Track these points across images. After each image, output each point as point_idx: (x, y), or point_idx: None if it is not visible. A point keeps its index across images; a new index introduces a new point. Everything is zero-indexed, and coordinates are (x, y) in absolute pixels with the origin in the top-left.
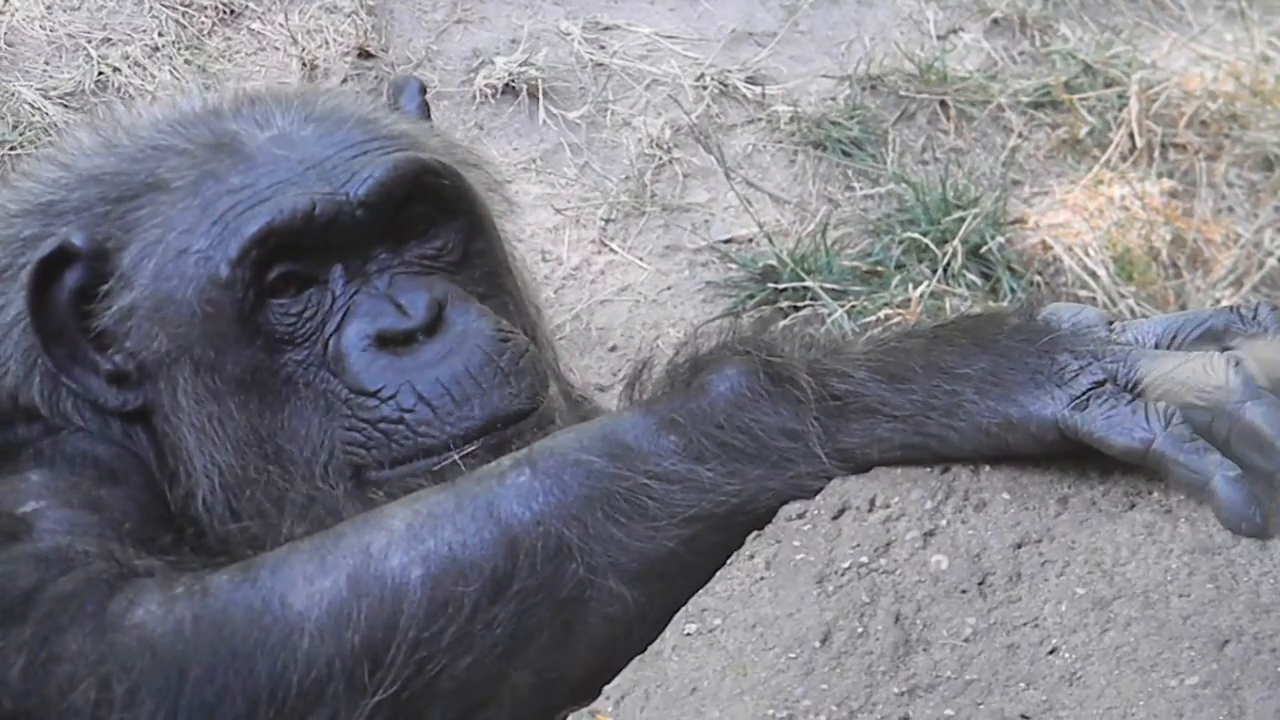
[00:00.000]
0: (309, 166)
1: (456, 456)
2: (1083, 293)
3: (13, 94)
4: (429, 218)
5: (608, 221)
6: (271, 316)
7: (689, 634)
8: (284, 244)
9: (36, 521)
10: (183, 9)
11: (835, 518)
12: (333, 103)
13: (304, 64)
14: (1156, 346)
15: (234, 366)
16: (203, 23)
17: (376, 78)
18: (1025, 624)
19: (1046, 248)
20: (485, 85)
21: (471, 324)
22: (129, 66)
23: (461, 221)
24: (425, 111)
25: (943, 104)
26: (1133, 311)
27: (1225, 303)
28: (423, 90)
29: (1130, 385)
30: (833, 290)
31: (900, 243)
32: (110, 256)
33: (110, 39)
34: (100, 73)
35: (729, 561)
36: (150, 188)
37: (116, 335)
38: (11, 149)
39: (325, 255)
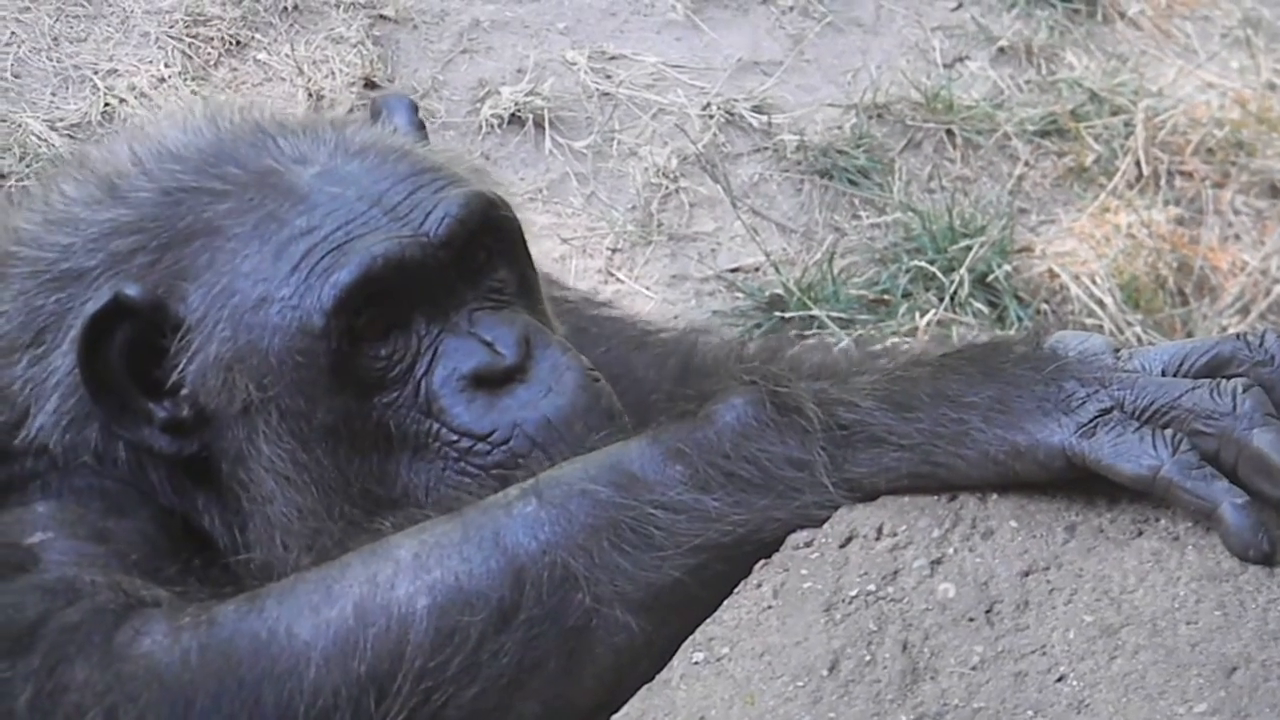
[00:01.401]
0: (371, 204)
1: None
2: (1090, 320)
3: (19, 125)
4: (493, 251)
5: (614, 251)
6: (362, 362)
7: (696, 663)
8: (376, 290)
9: (44, 553)
10: (189, 40)
11: (842, 546)
12: (364, 135)
13: (310, 94)
14: (1163, 373)
15: (324, 414)
16: (209, 54)
17: None
18: (1033, 652)
19: (1053, 276)
20: (491, 115)
21: (559, 360)
22: (135, 97)
23: (517, 252)
24: (422, 130)
25: (949, 132)
26: (1139, 339)
27: (1232, 330)
28: (414, 108)
29: (1137, 412)
30: (839, 319)
31: (907, 271)
32: (166, 306)
33: (116, 70)
34: (106, 104)
35: (736, 590)
36: (199, 233)
37: (175, 383)
38: (19, 180)
39: (407, 297)
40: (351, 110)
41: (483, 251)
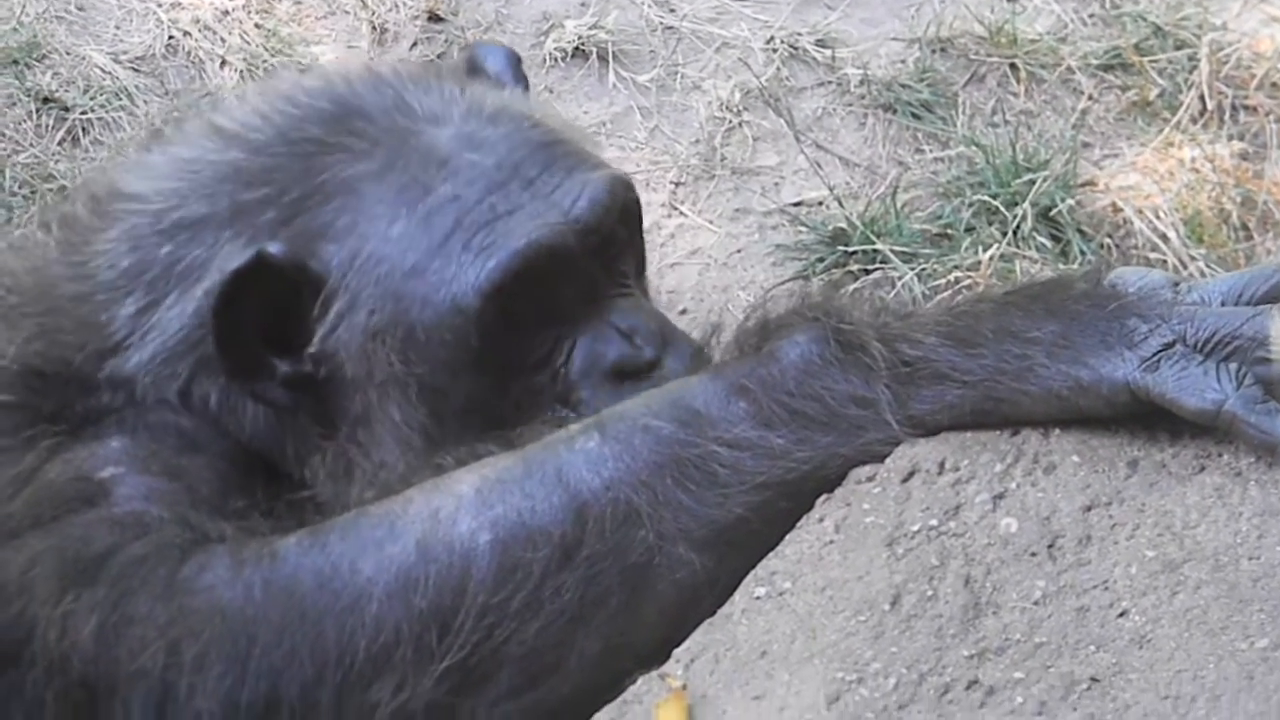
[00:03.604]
0: (509, 175)
1: None
2: (1153, 255)
3: (84, 58)
4: (624, 236)
5: (678, 185)
6: (508, 347)
7: (758, 597)
8: (532, 276)
9: (115, 487)
10: None
11: (905, 481)
12: (494, 97)
13: (373, 28)
14: (1223, 304)
15: (463, 393)
16: None
17: (446, 41)
18: (1095, 587)
19: (1117, 210)
20: (555, 48)
21: (689, 354)
22: (199, 30)
23: (640, 237)
24: (525, 83)
25: (1013, 66)
26: (1203, 273)
27: None
28: (518, 61)
29: (1200, 345)
30: (903, 253)
31: (970, 205)
32: (307, 267)
33: (180, 3)
34: (170, 37)
35: (798, 525)
36: (336, 192)
37: (301, 340)
38: (83, 113)
39: (557, 283)
40: (415, 45)
41: (621, 237)
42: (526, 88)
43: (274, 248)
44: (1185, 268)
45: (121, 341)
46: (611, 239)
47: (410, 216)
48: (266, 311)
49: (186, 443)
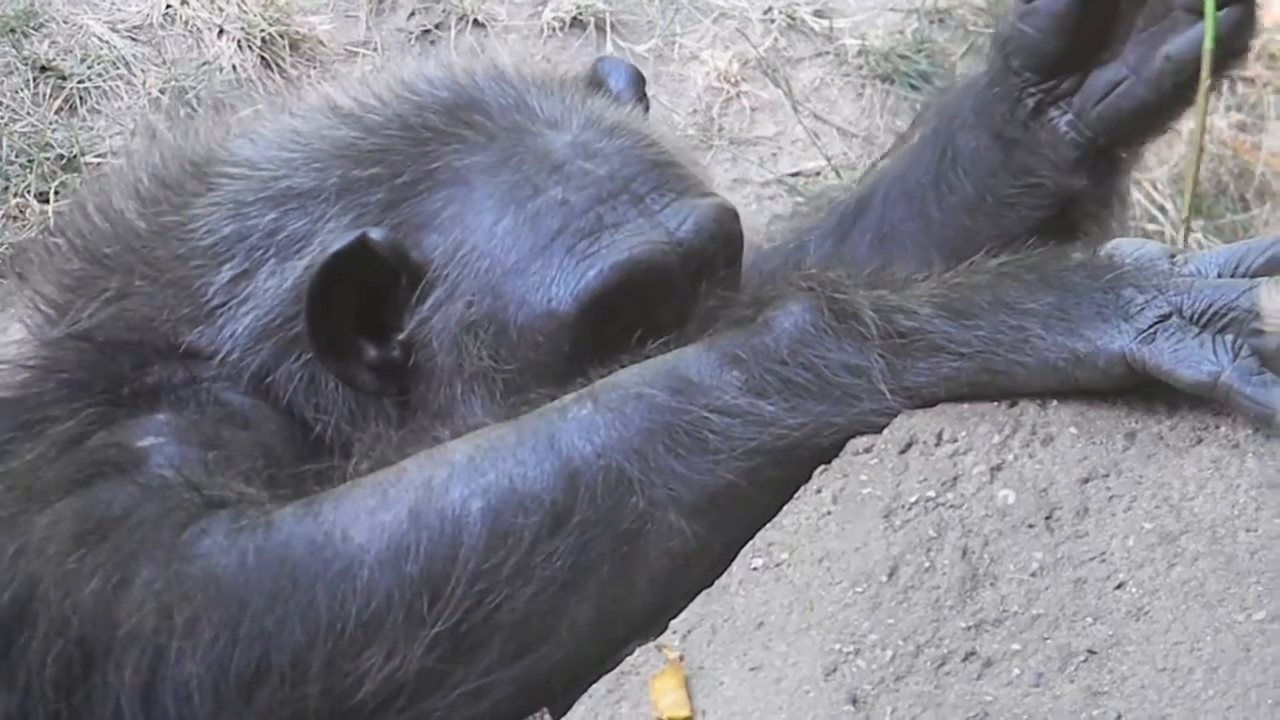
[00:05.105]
0: (619, 189)
1: None
2: (1150, 226)
3: (81, 26)
4: (724, 265)
5: None
6: (596, 356)
7: (755, 568)
8: (629, 291)
9: (150, 455)
10: None
11: (902, 452)
12: (615, 113)
13: None
14: (1220, 276)
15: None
16: None
17: (444, 11)
18: (1092, 559)
19: None
20: (553, 18)
21: None
22: None
23: (738, 267)
24: (645, 101)
25: None
26: (1200, 245)
27: None
28: (641, 79)
29: (1195, 317)
30: None
31: None
32: (408, 255)
33: None
34: (168, 5)
35: (795, 495)
36: (446, 182)
37: (393, 326)
38: (80, 82)
39: (652, 301)
40: (413, 15)
41: (720, 266)
42: (647, 108)
43: (376, 233)
44: (1184, 239)
45: (216, 308)
46: (712, 266)
47: (518, 215)
48: (362, 294)
49: (237, 418)
